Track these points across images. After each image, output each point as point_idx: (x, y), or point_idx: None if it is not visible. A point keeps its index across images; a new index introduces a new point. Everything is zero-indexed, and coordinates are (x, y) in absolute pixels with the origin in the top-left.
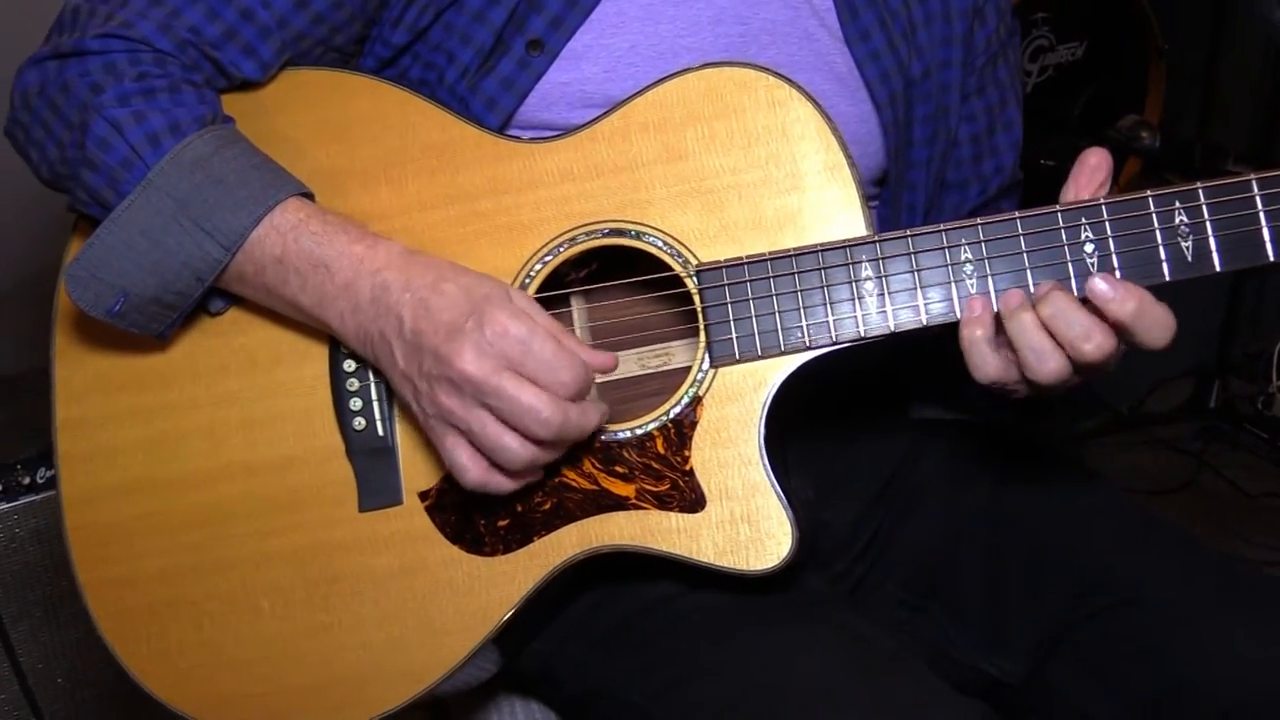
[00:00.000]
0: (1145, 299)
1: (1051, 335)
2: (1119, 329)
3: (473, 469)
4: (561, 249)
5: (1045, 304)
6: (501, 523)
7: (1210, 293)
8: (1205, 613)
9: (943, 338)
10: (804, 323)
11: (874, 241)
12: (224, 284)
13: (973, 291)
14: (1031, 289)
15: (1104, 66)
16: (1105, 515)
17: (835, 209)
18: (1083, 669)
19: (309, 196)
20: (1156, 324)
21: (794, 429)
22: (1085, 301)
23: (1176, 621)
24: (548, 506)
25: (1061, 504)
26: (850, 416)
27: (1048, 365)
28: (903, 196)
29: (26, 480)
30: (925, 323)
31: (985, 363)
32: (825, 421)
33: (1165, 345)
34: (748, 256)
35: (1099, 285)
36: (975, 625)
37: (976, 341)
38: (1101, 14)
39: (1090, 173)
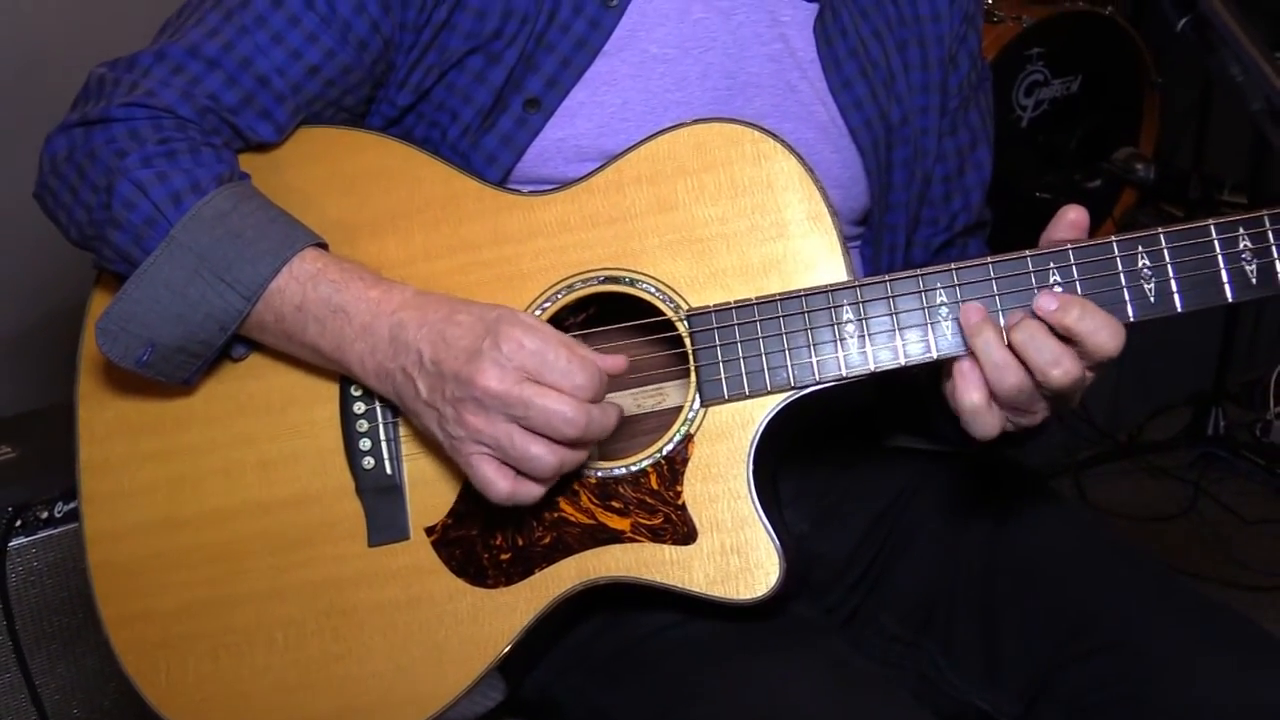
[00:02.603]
0: (1088, 305)
1: (1022, 361)
2: (1069, 338)
3: (500, 481)
4: (560, 295)
5: (1018, 330)
6: (504, 556)
7: (1207, 321)
8: (1190, 657)
9: (918, 372)
10: (789, 364)
11: (854, 286)
12: (245, 332)
13: (948, 335)
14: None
15: (1099, 100)
16: (1095, 555)
17: (818, 256)
18: (1072, 710)
19: (323, 246)
20: (1102, 329)
21: (789, 463)
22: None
23: (1162, 666)
24: (547, 540)
25: (1056, 545)
26: (844, 451)
27: (1009, 379)
28: (884, 237)
29: (45, 515)
30: (904, 363)
31: (988, 425)
32: (820, 456)
33: (1116, 350)
34: (735, 301)
35: (1043, 301)
36: (968, 661)
37: (978, 409)
38: (1096, 49)
39: (1068, 228)
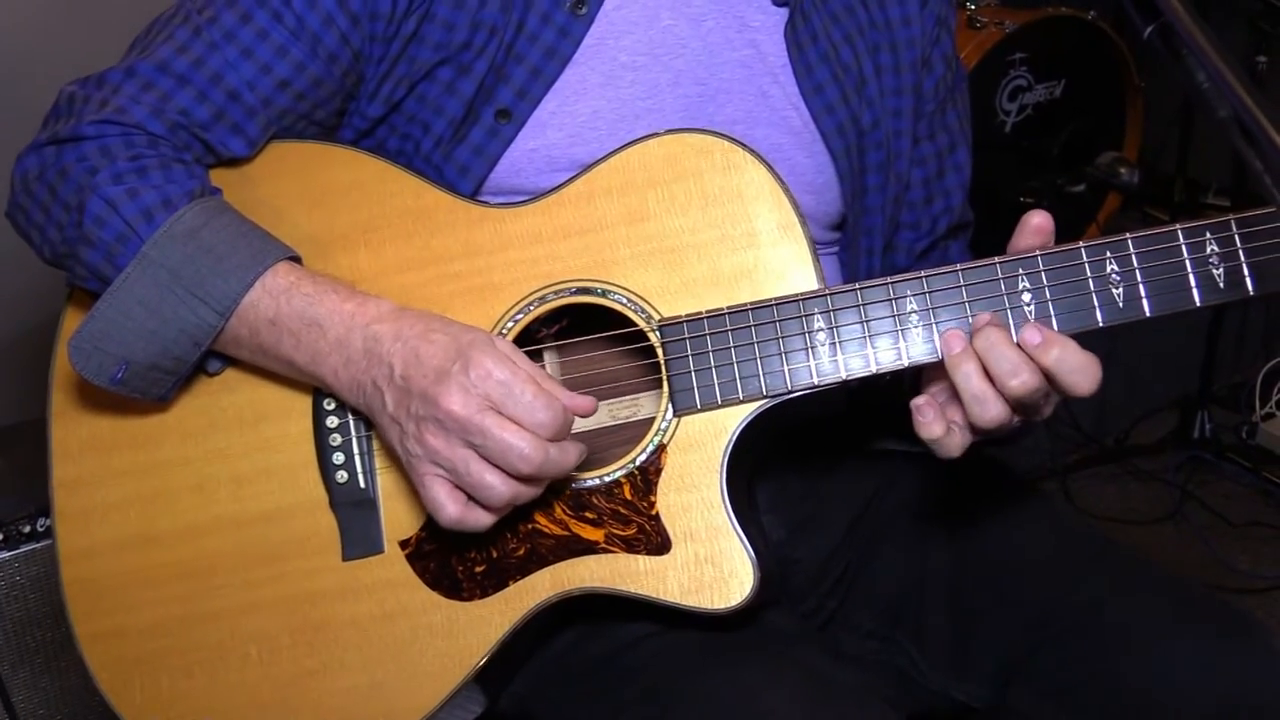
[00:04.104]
0: (1068, 346)
1: (985, 372)
2: (1045, 374)
3: (450, 505)
4: (532, 307)
5: (980, 337)
6: (478, 568)
7: (1193, 324)
8: (1158, 634)
9: (898, 377)
10: (760, 372)
11: (825, 295)
12: (220, 347)
13: (919, 342)
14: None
15: (1082, 105)
16: (1062, 542)
17: (788, 265)
18: (1043, 692)
19: (296, 260)
20: (1076, 371)
21: (765, 470)
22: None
23: (1130, 643)
24: (522, 552)
25: (1025, 532)
26: (820, 457)
27: (990, 412)
28: (860, 241)
29: (27, 529)
30: (875, 370)
31: (953, 449)
32: (795, 463)
33: (1090, 392)
34: (707, 311)
35: (1028, 334)
36: (942, 653)
37: (942, 439)
38: (1079, 53)
39: (1033, 234)
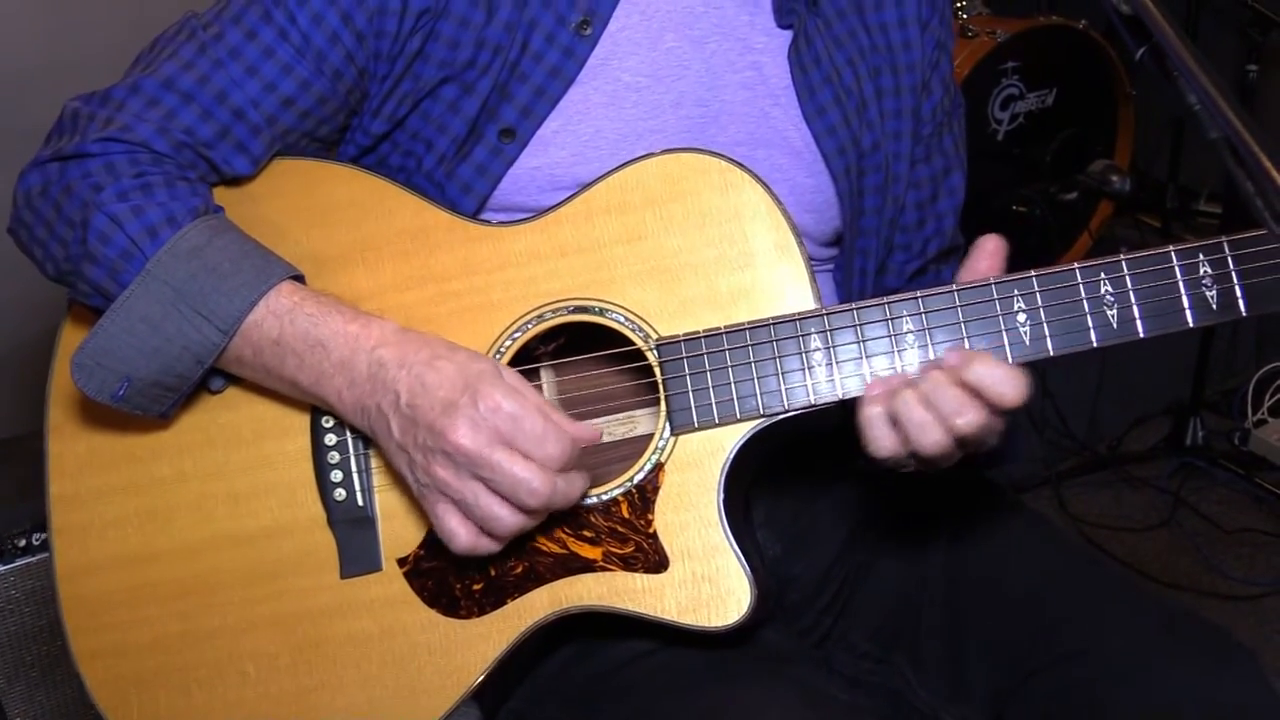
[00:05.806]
0: (986, 360)
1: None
2: (974, 392)
3: (463, 534)
4: (530, 325)
5: (923, 381)
6: (476, 586)
7: (1185, 332)
8: (1150, 662)
9: None
10: (758, 392)
11: (822, 315)
12: (223, 365)
13: (916, 363)
14: None
15: (1074, 113)
16: (1054, 564)
17: (785, 285)
18: (1035, 718)
19: (299, 278)
20: (1000, 382)
21: (761, 486)
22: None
23: (1123, 671)
24: (519, 570)
25: (1018, 554)
26: (816, 474)
27: (929, 437)
28: (855, 262)
29: (22, 543)
30: None
31: (882, 437)
32: (792, 479)
33: (1018, 402)
34: (704, 330)
35: (947, 358)
36: (936, 675)
37: (876, 417)
38: (1070, 62)
39: (989, 257)
